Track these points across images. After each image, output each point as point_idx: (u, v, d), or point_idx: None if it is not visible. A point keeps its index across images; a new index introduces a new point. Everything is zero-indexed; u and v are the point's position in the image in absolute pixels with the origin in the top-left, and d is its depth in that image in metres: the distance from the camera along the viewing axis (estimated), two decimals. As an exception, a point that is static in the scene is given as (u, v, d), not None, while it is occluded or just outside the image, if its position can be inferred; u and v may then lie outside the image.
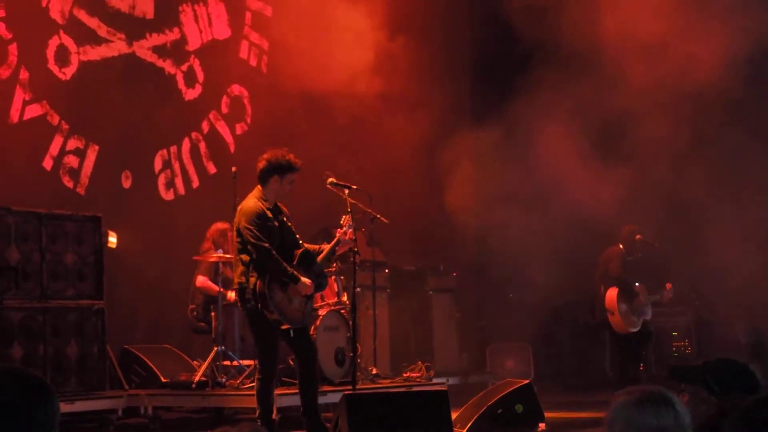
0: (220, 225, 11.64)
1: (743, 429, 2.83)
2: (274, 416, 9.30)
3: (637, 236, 13.78)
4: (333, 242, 9.49)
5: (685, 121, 13.27)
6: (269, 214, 9.05)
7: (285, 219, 9.25)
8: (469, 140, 14.66)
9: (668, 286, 13.51)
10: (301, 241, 9.34)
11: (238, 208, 9.22)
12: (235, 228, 9.20)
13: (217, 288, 11.31)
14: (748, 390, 3.89)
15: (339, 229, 9.54)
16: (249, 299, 8.99)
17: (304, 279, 9.07)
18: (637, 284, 13.33)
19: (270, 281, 8.92)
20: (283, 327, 9.03)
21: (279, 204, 9.30)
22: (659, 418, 3.33)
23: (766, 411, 2.85)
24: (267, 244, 8.92)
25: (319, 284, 9.42)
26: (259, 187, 9.23)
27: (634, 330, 13.22)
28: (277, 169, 9.15)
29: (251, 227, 8.92)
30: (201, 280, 11.65)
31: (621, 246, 13.42)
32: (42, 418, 2.95)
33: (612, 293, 13.18)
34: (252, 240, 8.90)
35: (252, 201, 9.09)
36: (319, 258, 9.33)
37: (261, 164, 9.21)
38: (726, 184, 13.76)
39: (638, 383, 13.01)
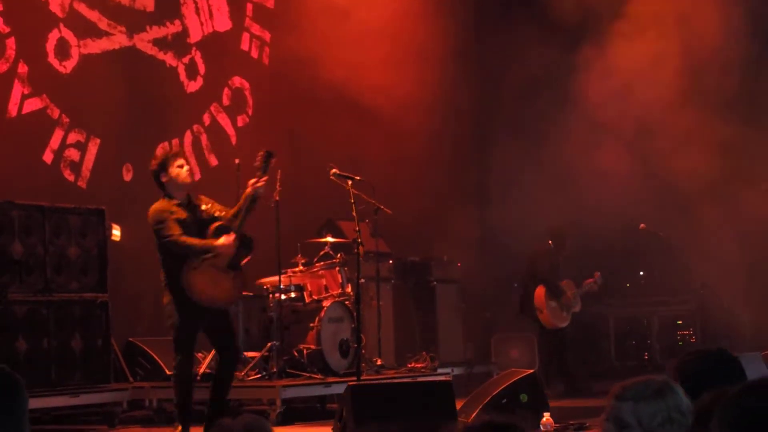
0: None
1: (729, 420, 2.79)
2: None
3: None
4: (244, 196, 9.24)
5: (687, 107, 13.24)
6: (174, 209, 9.00)
7: (202, 209, 9.18)
8: (473, 129, 14.66)
9: (596, 274, 13.60)
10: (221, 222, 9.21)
11: None
12: None
13: None
14: (727, 381, 3.82)
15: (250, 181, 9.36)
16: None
17: (220, 241, 8.96)
18: (564, 281, 13.44)
19: (188, 270, 8.89)
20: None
21: (196, 197, 9.23)
22: (655, 406, 3.32)
23: (751, 399, 2.80)
24: (173, 236, 8.87)
25: (245, 246, 9.25)
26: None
27: (563, 325, 13.38)
28: (159, 167, 9.09)
29: (158, 227, 8.91)
30: None
31: (550, 242, 13.49)
32: (8, 411, 2.92)
33: (540, 291, 13.29)
34: (162, 239, 8.90)
35: (154, 204, 9.07)
36: (237, 223, 9.17)
37: (151, 175, 9.19)
38: (729, 171, 13.71)
39: (568, 377, 13.24)
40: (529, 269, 13.56)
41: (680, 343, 15.18)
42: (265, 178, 9.20)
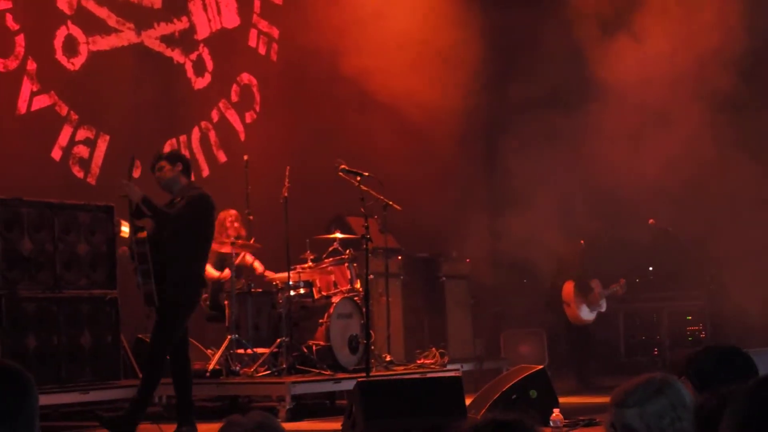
0: (220, 215, 11.59)
1: (741, 416, 2.77)
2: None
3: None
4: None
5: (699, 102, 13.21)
6: None
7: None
8: (483, 126, 14.64)
9: (621, 281, 13.94)
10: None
11: None
12: None
13: (216, 274, 11.40)
14: (739, 377, 3.79)
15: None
16: None
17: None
18: (592, 280, 13.77)
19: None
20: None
21: (177, 195, 9.25)
22: (665, 405, 3.31)
23: (764, 394, 2.78)
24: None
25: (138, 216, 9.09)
26: None
27: (588, 321, 13.77)
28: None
29: None
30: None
31: (582, 242, 13.86)
32: (17, 409, 2.91)
33: (569, 286, 13.67)
34: None
35: None
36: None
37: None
38: (741, 167, 13.66)
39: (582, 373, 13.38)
40: (559, 265, 13.83)
41: (689, 338, 15.14)
42: (126, 183, 9.03)
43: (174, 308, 8.99)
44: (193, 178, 9.62)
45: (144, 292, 8.96)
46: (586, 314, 13.71)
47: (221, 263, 11.61)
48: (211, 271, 11.54)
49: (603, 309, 13.86)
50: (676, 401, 3.32)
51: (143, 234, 8.99)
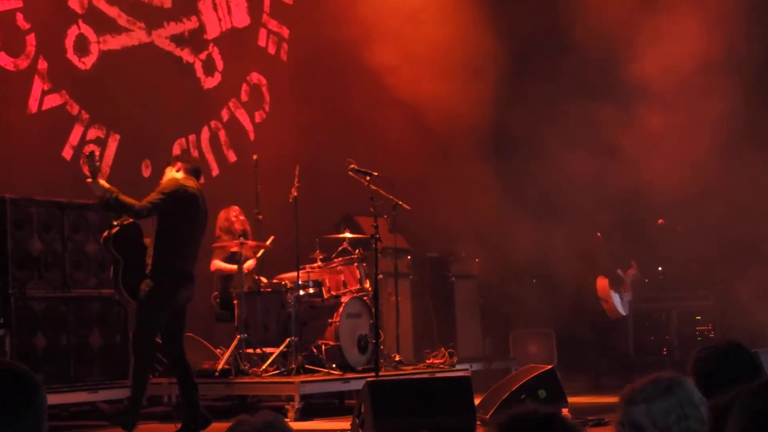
0: (223, 213, 11.62)
1: (748, 416, 2.77)
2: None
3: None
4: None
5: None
6: None
7: None
8: (495, 126, 14.61)
9: (633, 264, 14.03)
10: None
11: None
12: None
13: (231, 267, 11.43)
14: (744, 376, 3.78)
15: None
16: None
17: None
18: (619, 270, 13.82)
19: None
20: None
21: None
22: (666, 404, 3.31)
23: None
24: None
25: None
26: None
27: (626, 313, 13.88)
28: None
29: None
30: (214, 264, 11.63)
31: (599, 234, 13.84)
32: (24, 410, 2.91)
33: (602, 282, 13.67)
34: None
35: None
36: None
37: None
38: (749, 163, 13.63)
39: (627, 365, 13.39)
40: (586, 263, 13.77)
41: (699, 338, 15.11)
42: (89, 182, 8.96)
43: (148, 298, 9.00)
44: (202, 180, 9.65)
45: (114, 288, 9.12)
46: (622, 306, 13.77)
47: (232, 259, 11.61)
48: (219, 264, 11.55)
49: (630, 298, 13.96)
50: (684, 399, 3.32)
51: (114, 230, 9.05)
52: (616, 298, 13.68)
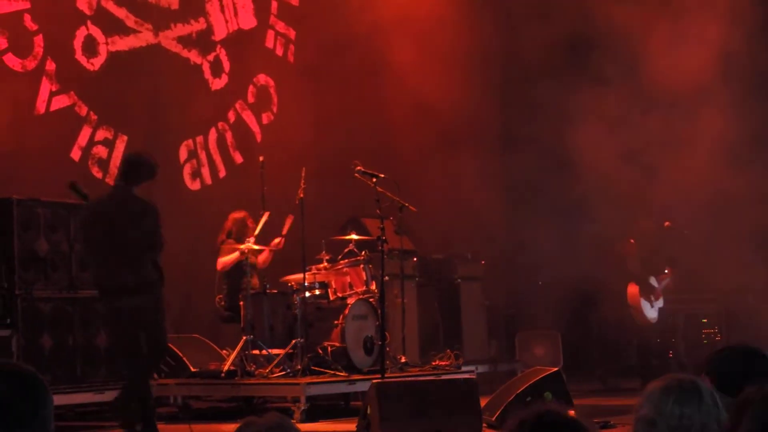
0: (236, 214, 11.63)
1: (763, 417, 2.77)
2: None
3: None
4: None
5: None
6: None
7: None
8: (501, 127, 14.61)
9: (668, 270, 13.93)
10: None
11: None
12: None
13: (233, 256, 11.45)
14: (759, 378, 3.78)
15: None
16: None
17: None
18: (651, 278, 13.75)
19: None
20: None
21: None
22: (682, 406, 3.32)
23: None
24: None
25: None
26: None
27: (654, 322, 13.74)
28: None
29: None
30: (220, 263, 11.63)
31: (632, 241, 13.79)
32: (31, 414, 2.92)
33: (633, 289, 13.60)
34: None
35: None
36: None
37: None
38: (752, 168, 13.62)
39: (683, 365, 13.36)
40: (618, 269, 13.79)
41: (705, 341, 15.10)
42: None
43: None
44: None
45: None
46: (652, 314, 13.72)
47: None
48: (224, 259, 11.53)
49: (661, 304, 13.86)
50: (691, 405, 3.33)
51: None
52: (645, 306, 13.64)
